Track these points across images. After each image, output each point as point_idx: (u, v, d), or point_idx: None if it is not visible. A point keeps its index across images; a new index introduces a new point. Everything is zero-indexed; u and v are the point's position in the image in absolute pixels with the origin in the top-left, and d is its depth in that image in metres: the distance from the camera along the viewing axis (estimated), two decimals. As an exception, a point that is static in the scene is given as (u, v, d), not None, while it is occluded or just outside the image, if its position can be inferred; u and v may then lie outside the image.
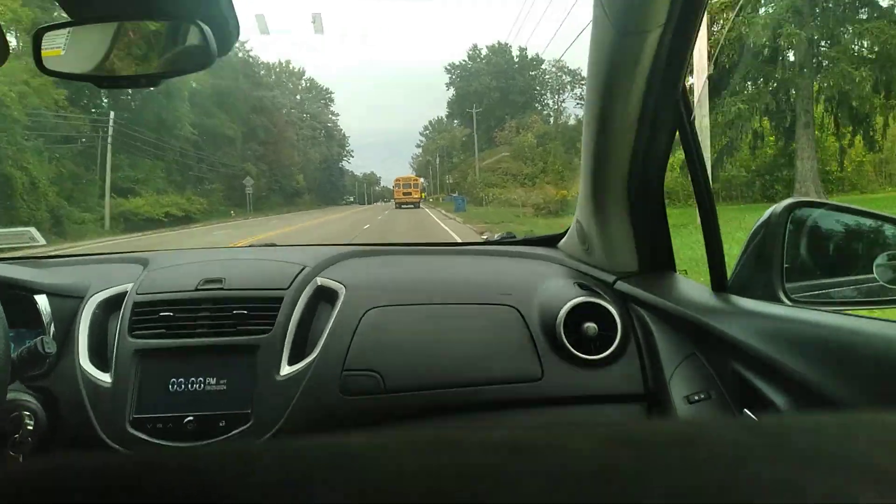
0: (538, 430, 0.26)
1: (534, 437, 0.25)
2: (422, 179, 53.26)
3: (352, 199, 71.83)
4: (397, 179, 43.25)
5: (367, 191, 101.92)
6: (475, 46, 60.91)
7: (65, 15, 0.80)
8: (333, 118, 64.71)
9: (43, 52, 0.82)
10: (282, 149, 44.16)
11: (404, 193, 39.29)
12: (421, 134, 70.66)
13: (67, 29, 0.82)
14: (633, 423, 0.61)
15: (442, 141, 60.27)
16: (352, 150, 71.14)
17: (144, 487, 0.23)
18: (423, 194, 46.24)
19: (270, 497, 0.21)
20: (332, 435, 0.24)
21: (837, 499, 0.19)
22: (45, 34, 0.81)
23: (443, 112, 66.44)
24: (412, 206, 37.31)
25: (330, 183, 66.53)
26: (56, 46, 0.82)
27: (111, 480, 0.23)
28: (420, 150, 71.32)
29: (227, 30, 0.79)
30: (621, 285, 1.38)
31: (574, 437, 0.25)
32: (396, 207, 37.42)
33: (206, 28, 0.77)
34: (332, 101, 63.66)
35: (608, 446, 0.25)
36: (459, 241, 3.99)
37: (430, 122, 68.63)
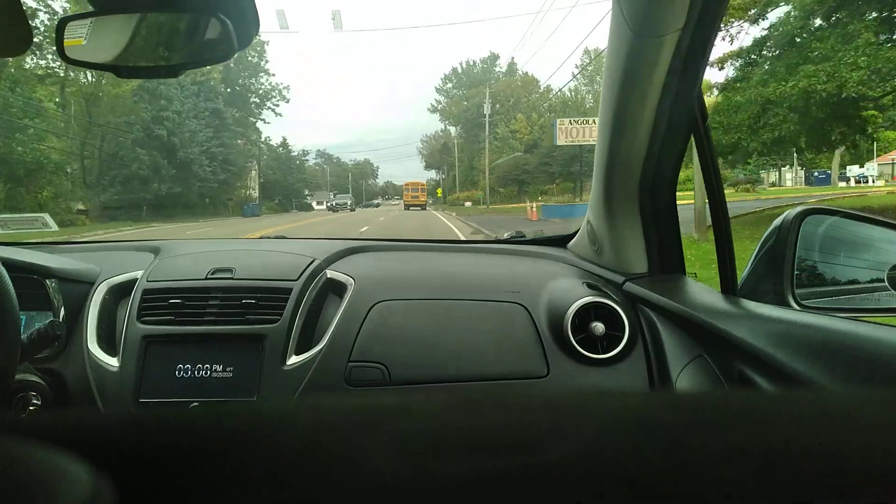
0: (573, 394, 0.27)
1: (570, 398, 0.26)
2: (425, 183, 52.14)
3: (332, 197, 49.98)
4: (406, 184, 46.72)
5: (357, 186, 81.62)
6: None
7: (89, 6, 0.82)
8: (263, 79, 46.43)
9: (65, 41, 0.83)
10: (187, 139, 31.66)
11: (412, 196, 43.11)
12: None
13: (90, 19, 0.83)
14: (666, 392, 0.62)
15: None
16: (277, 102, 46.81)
17: (205, 438, 0.23)
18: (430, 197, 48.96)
19: (313, 445, 0.22)
20: (363, 393, 0.27)
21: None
22: (69, 24, 0.82)
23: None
24: (419, 207, 40.89)
25: (281, 176, 49.23)
26: (78, 36, 0.83)
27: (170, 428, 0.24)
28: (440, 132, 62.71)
29: (247, 24, 0.80)
30: (630, 286, 1.38)
31: (606, 397, 0.27)
32: (405, 209, 40.54)
33: (226, 21, 0.77)
34: (263, 58, 45.62)
35: (641, 404, 0.26)
36: (468, 239, 3.97)
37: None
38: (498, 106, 46.33)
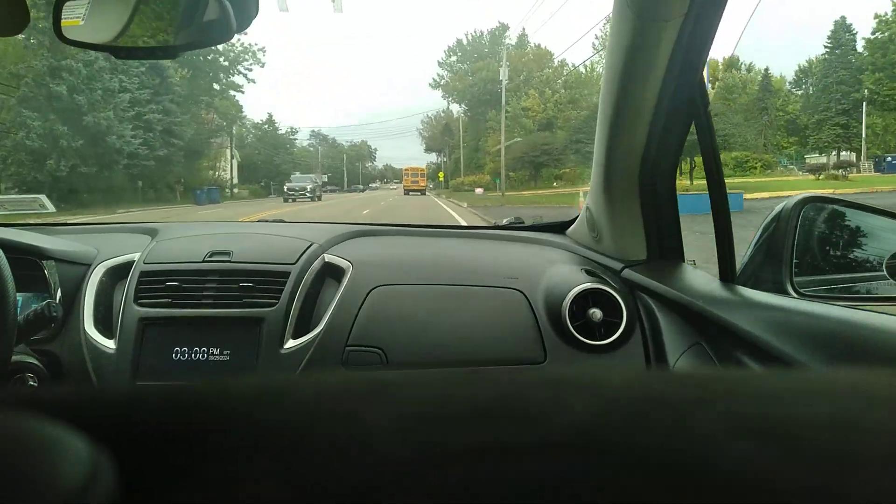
0: (575, 370, 0.27)
1: (571, 374, 0.27)
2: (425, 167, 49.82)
3: (311, 182, 33.64)
4: (406, 169, 45.38)
5: (353, 168, 75.30)
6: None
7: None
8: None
9: (63, 21, 0.82)
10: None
11: (412, 182, 41.95)
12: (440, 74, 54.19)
13: None
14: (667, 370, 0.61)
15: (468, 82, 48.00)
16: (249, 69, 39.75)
17: (206, 409, 0.24)
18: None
19: (314, 417, 0.22)
20: (365, 372, 0.27)
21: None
22: (66, 4, 0.81)
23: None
24: (419, 192, 39.84)
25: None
26: (75, 16, 0.82)
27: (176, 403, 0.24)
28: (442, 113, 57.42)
29: (247, 5, 0.79)
30: (629, 273, 1.39)
31: (608, 373, 0.27)
32: (405, 193, 39.67)
33: (225, 2, 0.76)
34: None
35: (644, 380, 0.26)
36: (467, 224, 3.97)
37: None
38: (507, 82, 38.63)
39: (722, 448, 0.20)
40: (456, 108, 54.12)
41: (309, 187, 31.97)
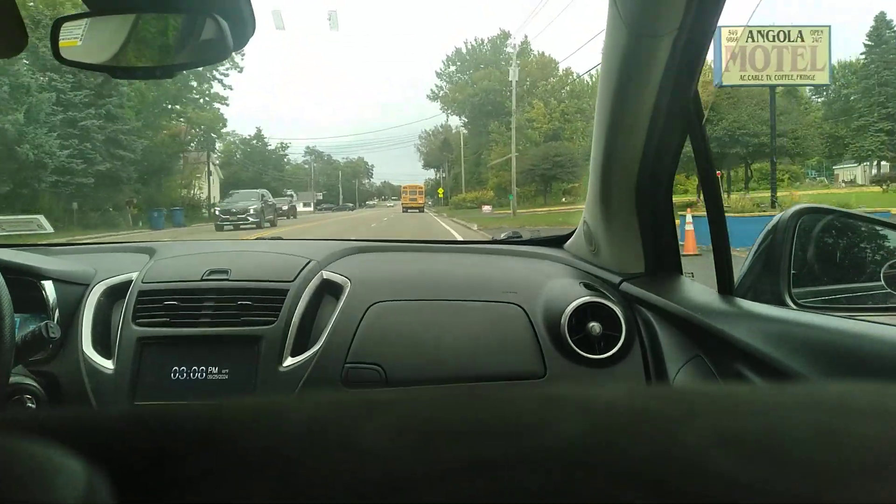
0: (567, 387, 0.27)
1: (565, 391, 0.27)
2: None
3: (256, 200, 21.79)
4: (404, 187, 45.34)
5: (350, 185, 72.27)
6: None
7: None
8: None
9: (61, 42, 0.82)
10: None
11: (410, 199, 42.18)
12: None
13: (85, 20, 0.83)
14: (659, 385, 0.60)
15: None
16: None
17: (204, 434, 0.23)
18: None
19: (312, 436, 0.22)
20: (361, 391, 0.27)
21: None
22: (64, 24, 0.82)
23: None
24: (417, 210, 39.86)
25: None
26: (73, 37, 0.83)
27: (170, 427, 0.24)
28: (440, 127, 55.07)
29: (244, 24, 0.80)
30: (627, 286, 1.39)
31: (601, 389, 0.27)
32: (403, 211, 39.62)
33: (222, 22, 0.77)
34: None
35: (636, 396, 0.26)
36: (465, 239, 3.97)
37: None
38: (508, 93, 35.46)
39: (711, 462, 0.20)
40: (455, 122, 52.16)
41: (253, 208, 21.53)
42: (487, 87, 44.53)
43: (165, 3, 0.82)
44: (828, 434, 0.22)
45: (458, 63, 51.24)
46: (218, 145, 41.17)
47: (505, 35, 49.33)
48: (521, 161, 31.39)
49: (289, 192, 44.81)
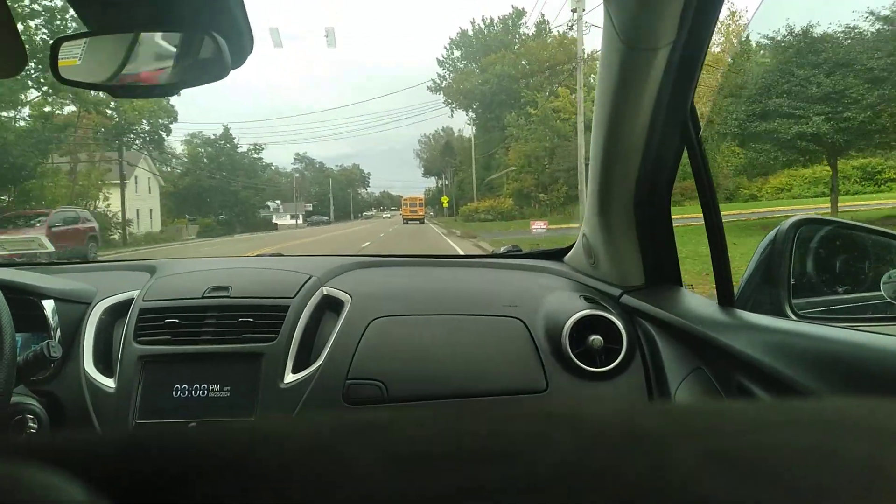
0: (566, 403, 0.28)
1: (560, 409, 0.27)
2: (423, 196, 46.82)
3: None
4: (405, 199, 44.44)
5: (343, 196, 67.34)
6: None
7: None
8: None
9: (60, 62, 0.83)
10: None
11: (411, 211, 41.40)
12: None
13: (84, 39, 0.84)
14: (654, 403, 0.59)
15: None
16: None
17: (202, 458, 0.24)
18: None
19: (310, 461, 0.22)
20: (359, 410, 0.28)
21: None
22: (63, 44, 0.82)
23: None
24: (417, 221, 38.84)
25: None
26: (72, 56, 0.83)
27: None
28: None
29: (242, 42, 0.80)
30: (627, 299, 1.38)
31: (598, 407, 0.27)
32: (404, 223, 38.78)
33: (220, 40, 0.78)
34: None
35: (630, 414, 0.26)
36: (465, 253, 3.98)
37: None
38: (524, 81, 31.81)
39: (704, 483, 0.20)
40: (459, 121, 45.19)
41: (38, 245, 13.62)
42: (500, 71, 36.38)
43: (164, 22, 0.83)
44: (822, 453, 0.22)
45: (463, 48, 43.59)
46: (181, 149, 35.11)
47: (519, 13, 41.88)
48: (557, 158, 25.95)
49: (270, 204, 38.76)
